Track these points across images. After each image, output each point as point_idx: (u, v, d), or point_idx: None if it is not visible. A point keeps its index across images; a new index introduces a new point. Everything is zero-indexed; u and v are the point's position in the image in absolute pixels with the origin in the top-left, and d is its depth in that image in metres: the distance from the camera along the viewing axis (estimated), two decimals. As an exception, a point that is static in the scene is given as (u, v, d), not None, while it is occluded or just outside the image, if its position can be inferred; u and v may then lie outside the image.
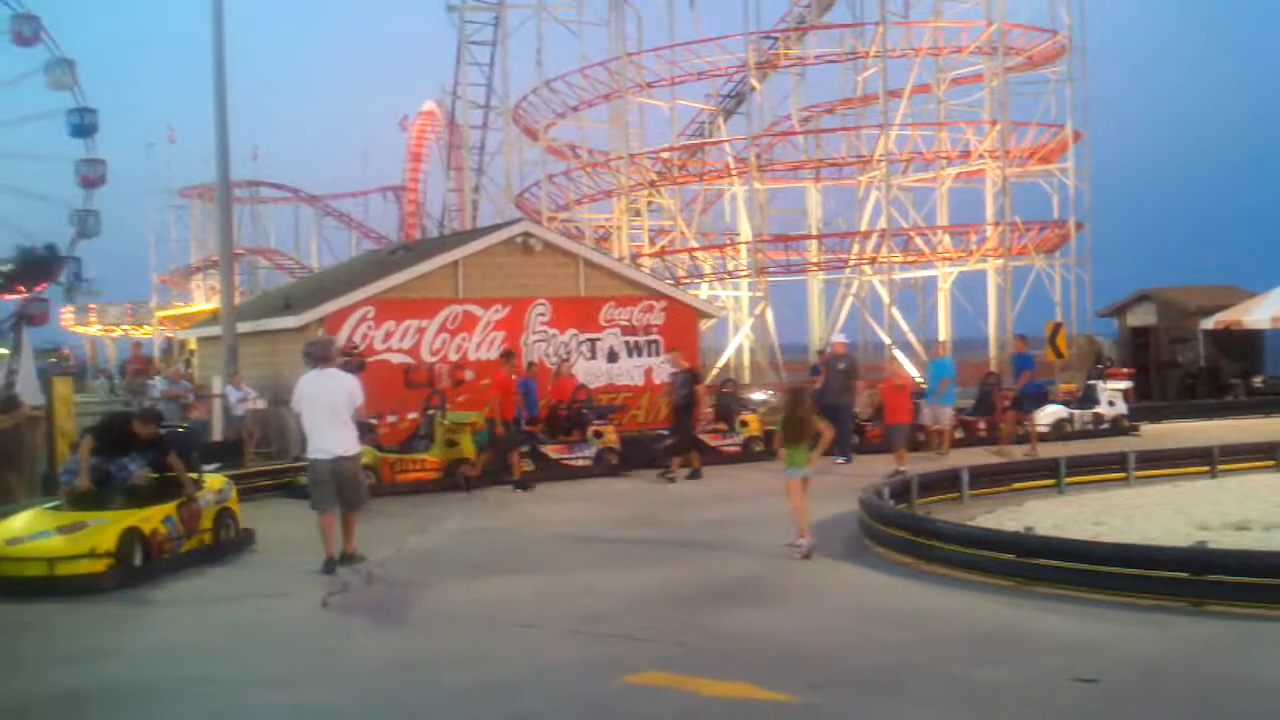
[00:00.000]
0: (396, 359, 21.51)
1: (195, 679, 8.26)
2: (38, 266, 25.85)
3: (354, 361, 18.49)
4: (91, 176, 46.73)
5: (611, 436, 20.24)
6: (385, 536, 13.75)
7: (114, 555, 11.16)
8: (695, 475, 19.13)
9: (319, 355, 12.30)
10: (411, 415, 20.28)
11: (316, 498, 12.04)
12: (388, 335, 21.65)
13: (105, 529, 11.32)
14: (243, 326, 23.20)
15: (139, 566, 11.48)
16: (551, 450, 19.87)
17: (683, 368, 19.99)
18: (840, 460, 20.48)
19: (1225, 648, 8.41)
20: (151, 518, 11.83)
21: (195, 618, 10.31)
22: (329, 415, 11.89)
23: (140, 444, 12.53)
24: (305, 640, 9.44)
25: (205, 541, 12.61)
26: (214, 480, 13.41)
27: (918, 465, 17.90)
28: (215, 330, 24.46)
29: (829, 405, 21.15)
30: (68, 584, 10.88)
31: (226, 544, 12.95)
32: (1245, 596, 9.15)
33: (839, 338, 23.43)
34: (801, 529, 12.25)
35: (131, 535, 11.45)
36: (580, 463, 19.85)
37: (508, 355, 19.85)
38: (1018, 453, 20.87)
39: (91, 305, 61.71)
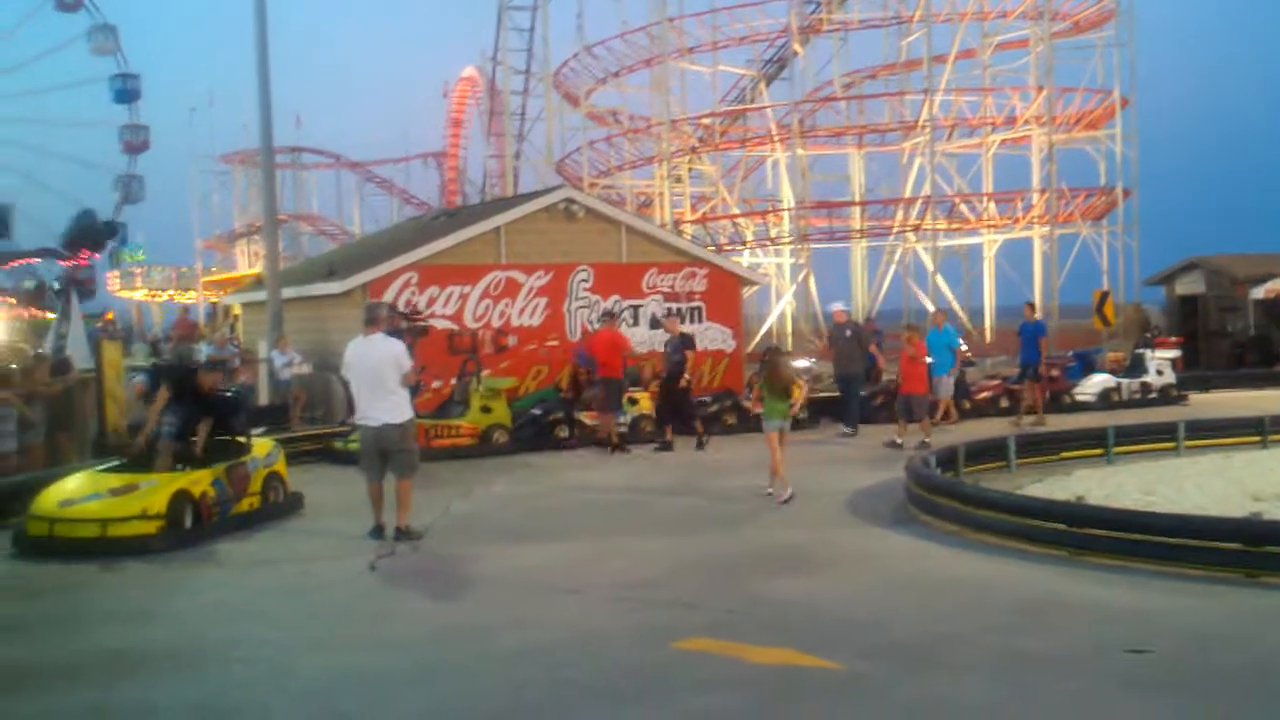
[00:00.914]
0: (440, 324, 21.51)
1: (243, 641, 8.33)
2: (94, 232, 26.20)
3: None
4: (135, 142, 47.22)
5: (647, 403, 20.14)
6: (431, 502, 13.80)
7: (165, 517, 11.30)
8: (666, 447, 18.57)
9: (365, 319, 12.13)
10: (455, 381, 20.34)
11: (364, 465, 11.99)
12: (431, 301, 21.68)
13: (156, 491, 11.44)
14: (287, 292, 23.32)
15: (189, 529, 11.60)
16: (586, 417, 19.85)
17: (675, 334, 19.50)
18: (846, 430, 20.06)
19: (1277, 619, 8.31)
20: (201, 480, 11.95)
21: (244, 580, 10.40)
22: (375, 382, 11.66)
23: (197, 397, 12.61)
24: (352, 604, 9.50)
25: (254, 505, 12.73)
26: (262, 444, 13.50)
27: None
28: (260, 295, 24.60)
29: (841, 376, 20.67)
30: (119, 545, 11.02)
31: (275, 507, 13.06)
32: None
33: (837, 306, 22.61)
34: (777, 475, 13.69)
35: (182, 498, 11.57)
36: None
37: (610, 315, 20.18)
38: (1045, 422, 20.57)
39: (137, 270, 62.24)
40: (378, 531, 11.74)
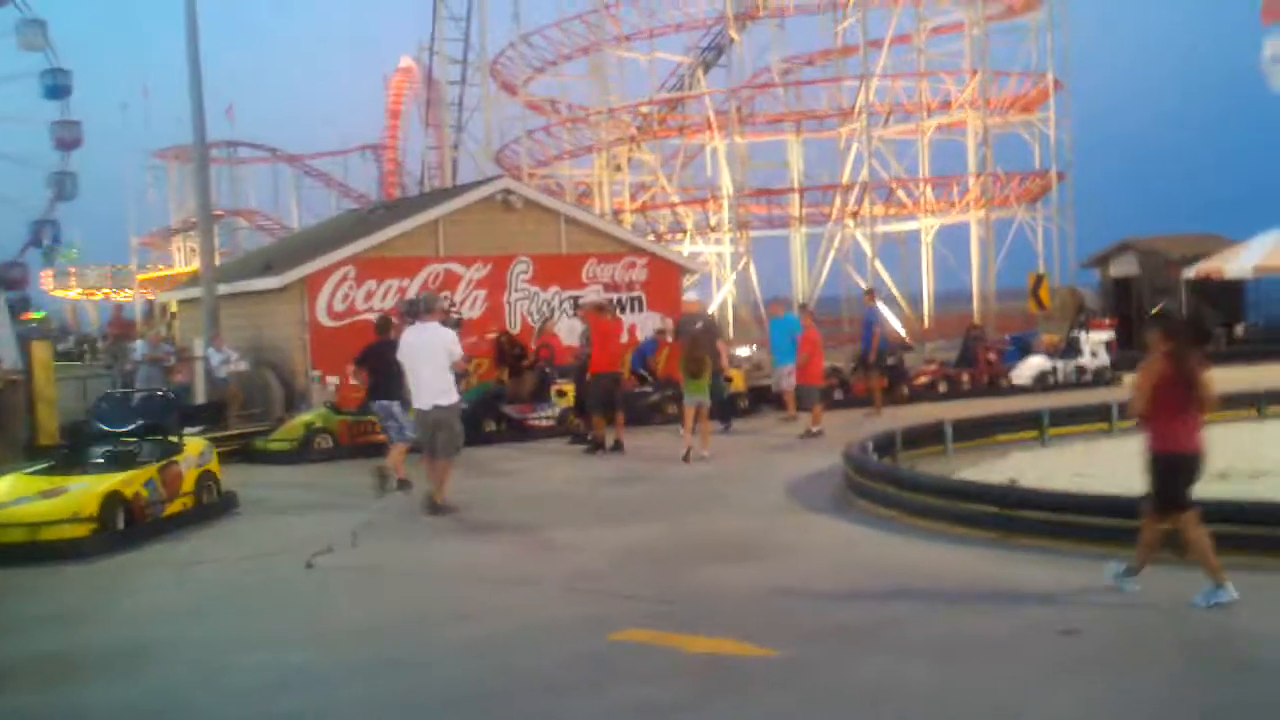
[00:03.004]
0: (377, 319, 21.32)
1: (179, 641, 8.25)
2: None
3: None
4: (67, 138, 46.27)
5: (574, 396, 19.73)
6: (370, 496, 13.74)
7: (97, 519, 11.14)
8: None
9: (420, 310, 13.54)
10: None
11: (420, 441, 13.12)
12: (369, 295, 21.54)
13: (87, 493, 11.28)
14: (223, 288, 23.07)
15: (122, 530, 11.45)
16: (513, 410, 19.66)
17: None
18: (720, 428, 18.81)
19: (1208, 597, 8.43)
20: (133, 481, 11.79)
21: (179, 580, 10.28)
22: (429, 367, 12.70)
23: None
24: (290, 601, 9.44)
25: (188, 505, 12.58)
26: (194, 443, 13.35)
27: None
28: (196, 292, 24.31)
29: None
30: (51, 549, 10.85)
31: (209, 507, 12.93)
32: (1228, 546, 9.12)
33: (691, 295, 21.35)
34: (686, 443, 16.19)
35: (114, 499, 11.41)
36: (543, 423, 19.62)
37: (602, 307, 19.09)
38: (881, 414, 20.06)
39: (71, 268, 61.30)
40: (430, 502, 12.69)
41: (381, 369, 14.21)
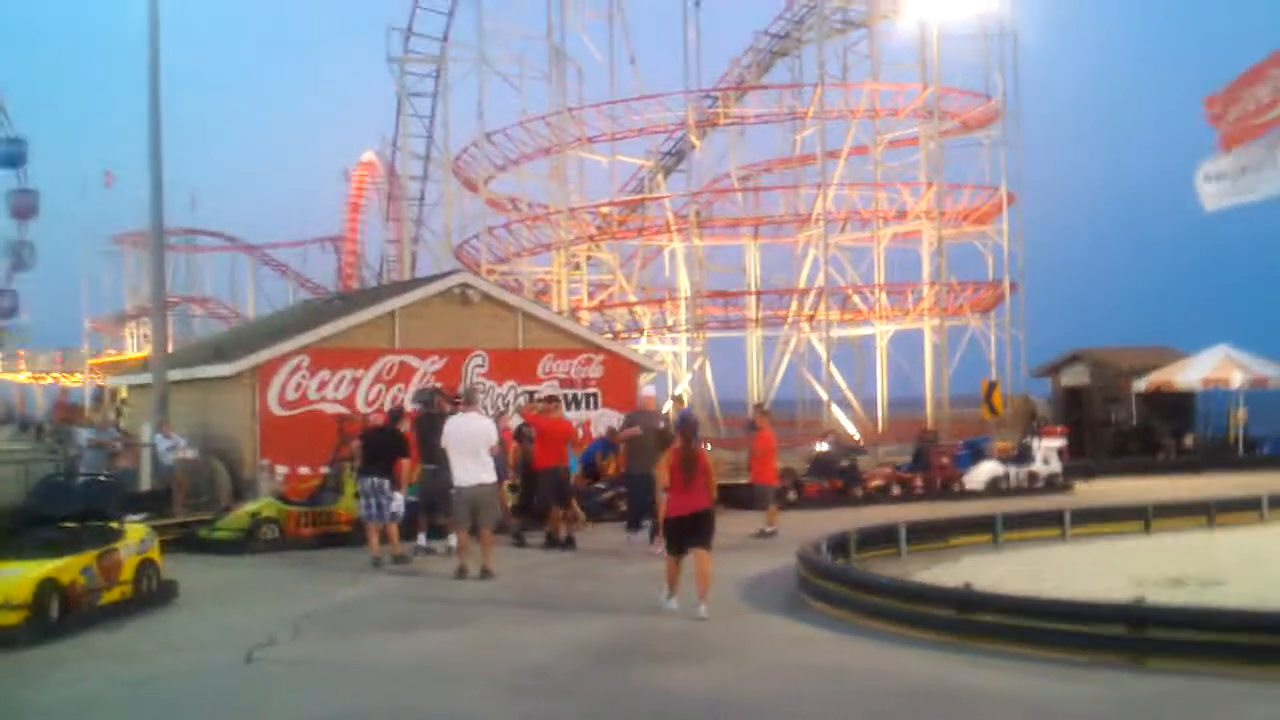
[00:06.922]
0: (330, 409, 21.12)
1: (109, 735, 7.94)
2: None
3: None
4: (23, 207, 45.68)
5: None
6: (313, 590, 13.47)
7: (29, 607, 10.77)
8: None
9: (465, 400, 15.42)
10: (327, 468, 19.58)
11: (457, 517, 14.53)
12: (322, 385, 21.31)
13: (20, 579, 10.92)
14: (174, 374, 22.78)
15: (56, 619, 11.08)
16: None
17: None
18: (653, 549, 15.78)
19: (1164, 703, 8.36)
20: (70, 568, 11.44)
21: (113, 672, 9.93)
22: (472, 451, 14.20)
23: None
24: (228, 697, 9.13)
25: (126, 594, 12.21)
26: (135, 530, 13.01)
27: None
28: (146, 378, 23.99)
29: (640, 475, 17.05)
30: (-21, 637, 10.47)
31: (148, 596, 12.55)
32: (1184, 652, 9.13)
33: (648, 390, 20.16)
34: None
35: (48, 586, 11.05)
36: None
37: (552, 400, 19.89)
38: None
39: (20, 351, 60.50)
40: (462, 572, 14.15)
41: (385, 451, 15.55)
